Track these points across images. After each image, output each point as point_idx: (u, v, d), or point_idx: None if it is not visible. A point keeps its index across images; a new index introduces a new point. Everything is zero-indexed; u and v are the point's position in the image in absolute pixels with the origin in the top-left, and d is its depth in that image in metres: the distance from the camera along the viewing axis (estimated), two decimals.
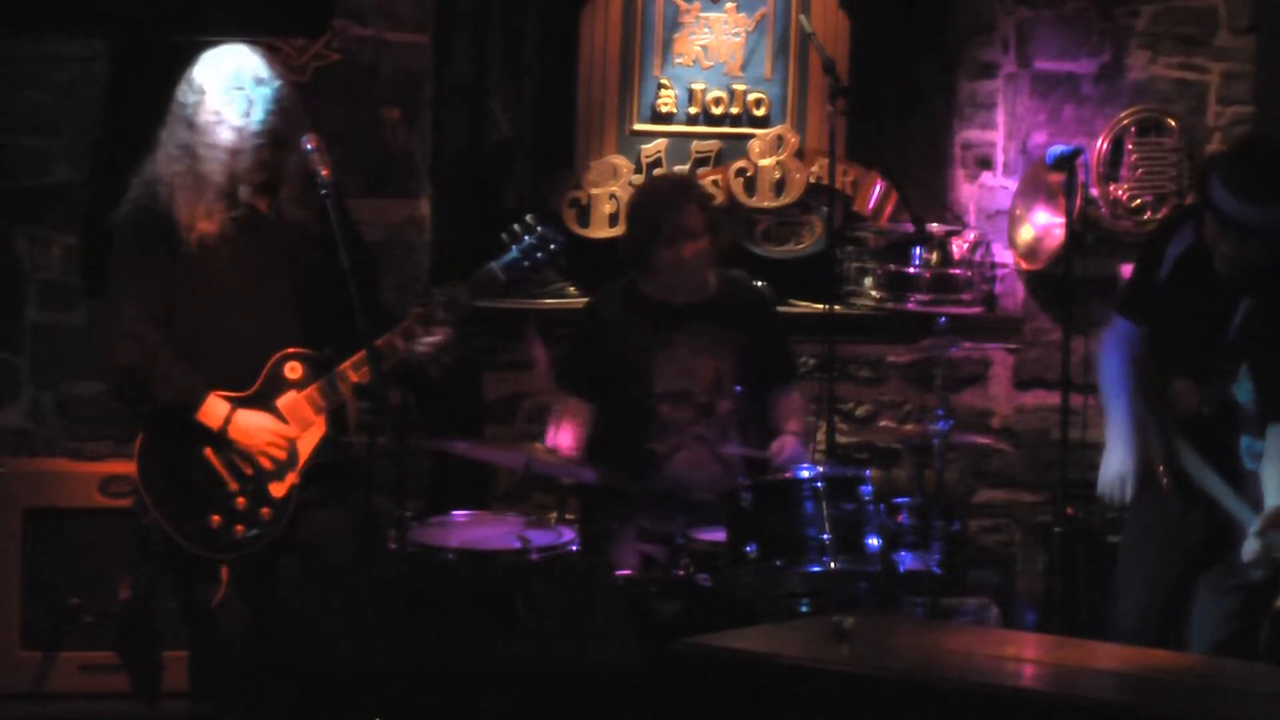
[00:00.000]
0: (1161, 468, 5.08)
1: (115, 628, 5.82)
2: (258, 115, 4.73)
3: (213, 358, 4.80)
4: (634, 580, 5.32)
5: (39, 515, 5.86)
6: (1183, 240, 5.03)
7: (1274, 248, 4.81)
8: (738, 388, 5.73)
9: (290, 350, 4.84)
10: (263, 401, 4.81)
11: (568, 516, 5.55)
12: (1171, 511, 5.10)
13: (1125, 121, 6.82)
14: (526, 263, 4.96)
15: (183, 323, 4.81)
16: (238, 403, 4.78)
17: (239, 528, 4.77)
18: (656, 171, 6.71)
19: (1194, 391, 5.01)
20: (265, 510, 4.79)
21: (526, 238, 4.96)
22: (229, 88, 4.73)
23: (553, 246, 4.97)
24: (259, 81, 4.75)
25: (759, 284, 6.18)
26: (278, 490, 4.80)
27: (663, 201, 5.73)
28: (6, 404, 6.22)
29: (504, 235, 4.98)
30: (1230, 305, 4.97)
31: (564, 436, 5.56)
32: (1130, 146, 6.81)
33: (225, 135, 4.72)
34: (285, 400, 4.82)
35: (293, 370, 4.84)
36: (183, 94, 4.78)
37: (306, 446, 4.84)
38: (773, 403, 5.84)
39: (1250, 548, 4.88)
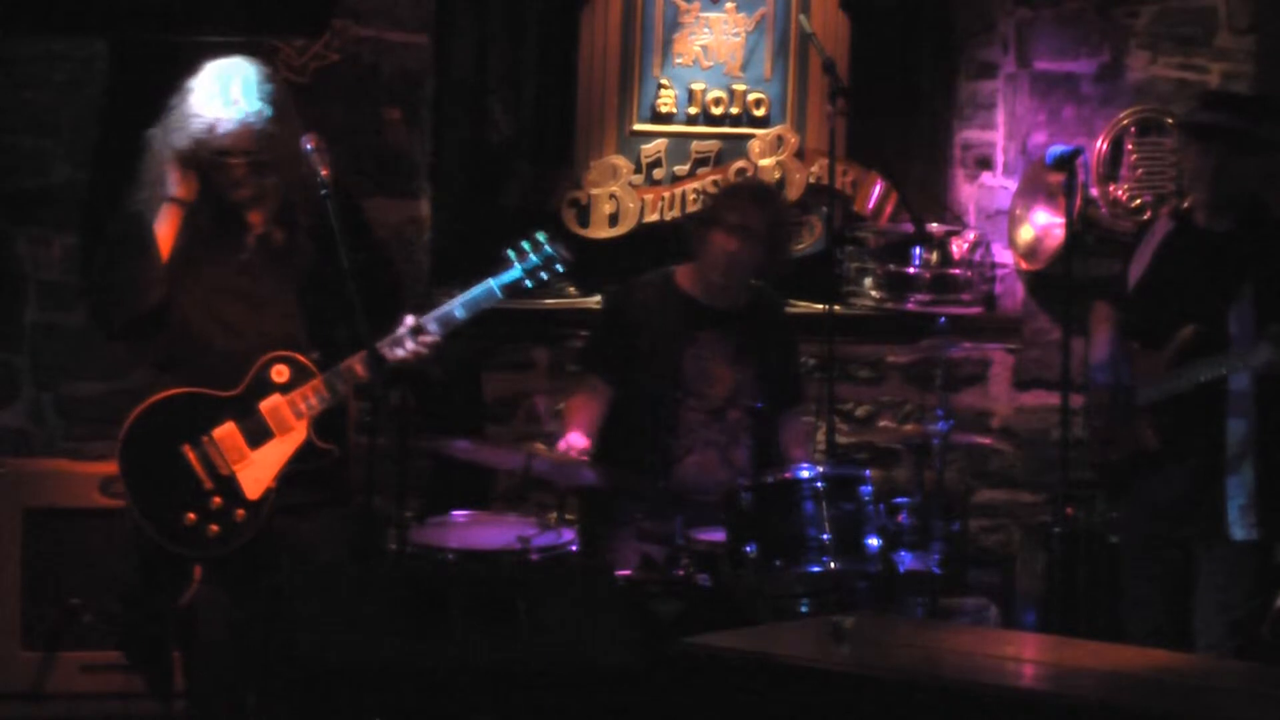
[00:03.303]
0: (1148, 426, 5.26)
1: (119, 629, 5.80)
2: (254, 121, 4.69)
3: (204, 358, 4.81)
4: (634, 580, 5.32)
5: (39, 515, 5.85)
6: (1160, 229, 5.43)
7: (1232, 150, 5.23)
8: (759, 404, 5.76)
9: (278, 353, 4.83)
10: (246, 403, 4.80)
11: (568, 516, 5.55)
12: (1158, 483, 5.28)
13: (1125, 121, 6.81)
14: (528, 282, 4.87)
15: (176, 321, 4.82)
16: (222, 403, 4.78)
17: (213, 527, 4.77)
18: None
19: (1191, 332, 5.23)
20: (240, 511, 4.78)
21: (533, 256, 4.88)
22: (222, 99, 4.69)
23: (558, 267, 4.90)
24: (253, 94, 4.71)
25: (785, 304, 6.18)
26: (253, 492, 4.80)
27: (741, 194, 5.89)
28: (6, 404, 6.22)
29: (510, 251, 4.90)
30: (1222, 255, 5.24)
31: (575, 438, 5.54)
32: (1130, 146, 6.81)
33: (220, 142, 4.70)
34: (268, 403, 4.81)
35: (279, 374, 4.83)
36: (175, 102, 4.77)
37: (286, 451, 4.84)
38: (781, 427, 5.88)
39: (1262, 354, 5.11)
